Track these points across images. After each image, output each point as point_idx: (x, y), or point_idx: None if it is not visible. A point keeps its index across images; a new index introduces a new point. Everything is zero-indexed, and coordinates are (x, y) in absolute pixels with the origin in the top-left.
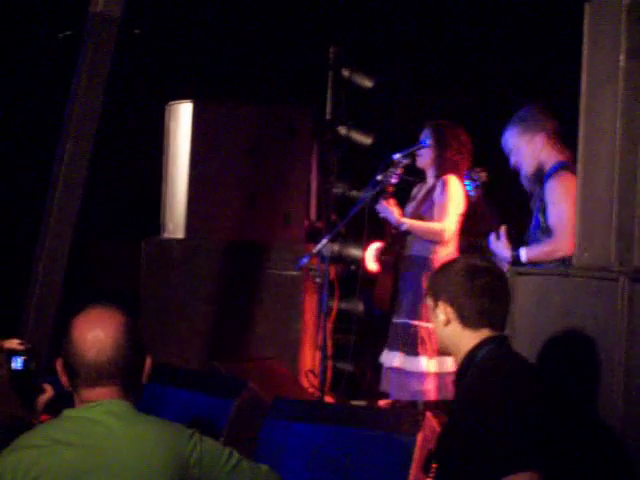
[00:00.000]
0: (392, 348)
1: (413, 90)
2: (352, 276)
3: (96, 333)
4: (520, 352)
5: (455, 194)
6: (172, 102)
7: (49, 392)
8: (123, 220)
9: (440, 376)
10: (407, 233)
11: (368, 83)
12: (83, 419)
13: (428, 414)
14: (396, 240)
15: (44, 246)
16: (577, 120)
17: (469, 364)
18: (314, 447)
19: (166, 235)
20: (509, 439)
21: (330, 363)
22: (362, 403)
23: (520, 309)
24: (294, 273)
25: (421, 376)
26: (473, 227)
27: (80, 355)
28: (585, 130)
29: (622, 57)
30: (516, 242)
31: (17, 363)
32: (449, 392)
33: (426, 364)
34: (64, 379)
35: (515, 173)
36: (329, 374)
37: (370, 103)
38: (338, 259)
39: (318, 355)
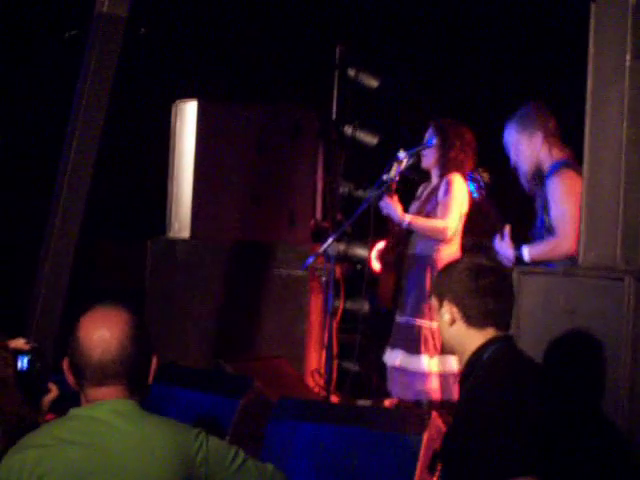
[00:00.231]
0: (394, 347)
1: (419, 90)
2: (358, 275)
3: (102, 333)
4: (525, 351)
5: (458, 193)
6: (178, 101)
7: (54, 391)
8: (129, 220)
9: (443, 376)
10: (410, 231)
11: (374, 83)
12: (89, 418)
13: (434, 414)
14: (399, 238)
15: (50, 245)
16: (583, 119)
17: (474, 364)
18: (320, 447)
19: (172, 235)
20: (510, 443)
21: (336, 363)
22: (368, 403)
23: (525, 309)
24: (300, 273)
25: (423, 375)
26: (477, 226)
27: (86, 354)
28: (591, 129)
29: (628, 57)
30: (520, 241)
31: (23, 363)
32: (453, 392)
33: (427, 363)
34: (70, 378)
35: (516, 172)
36: (335, 374)
37: (376, 103)
38: (344, 259)
39: (324, 355)
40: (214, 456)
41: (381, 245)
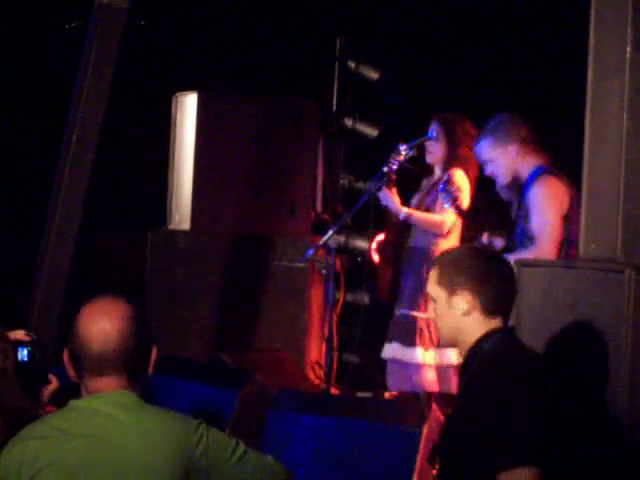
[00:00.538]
0: (391, 339)
1: (419, 82)
2: (358, 268)
3: (102, 324)
4: (526, 343)
5: (460, 187)
6: (178, 93)
7: (54, 383)
8: (129, 211)
9: (441, 368)
10: (409, 223)
11: (374, 75)
12: (89, 410)
13: (434, 405)
14: (398, 231)
15: (50, 237)
16: (583, 111)
17: (475, 355)
18: (319, 439)
19: (172, 226)
20: (509, 433)
21: (336, 355)
22: (367, 395)
23: (525, 301)
24: (300, 265)
25: (417, 367)
26: (473, 222)
27: (86, 346)
28: (591, 122)
29: (629, 49)
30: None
31: (23, 354)
32: (451, 384)
33: (422, 355)
34: (70, 370)
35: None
36: (335, 366)
37: (376, 95)
38: (344, 251)
39: (324, 347)
40: (214, 447)
41: (380, 237)
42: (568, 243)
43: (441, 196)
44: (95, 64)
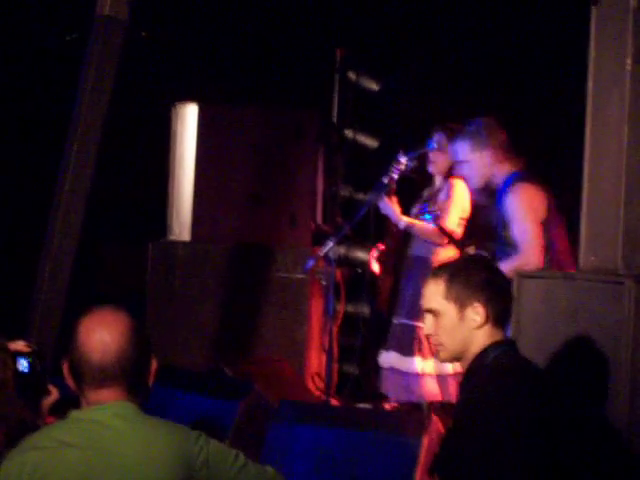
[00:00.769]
0: (389, 349)
1: (419, 93)
2: (358, 279)
3: (101, 335)
4: (526, 356)
5: (460, 198)
6: (178, 104)
7: (54, 394)
8: (129, 222)
9: (440, 378)
10: (409, 233)
11: (374, 86)
12: (89, 421)
13: (434, 416)
14: (398, 240)
15: (51, 248)
16: (584, 123)
17: (478, 367)
18: (320, 450)
19: (172, 237)
20: (510, 446)
21: (336, 366)
22: (367, 406)
23: (526, 312)
24: (300, 276)
25: (417, 377)
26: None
27: (85, 357)
28: (591, 133)
29: (629, 60)
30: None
31: (23, 365)
32: (451, 394)
33: (421, 365)
34: (70, 381)
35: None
36: (335, 377)
37: (376, 106)
38: (344, 262)
39: (324, 358)
40: (214, 459)
41: (380, 247)
42: (551, 248)
43: (424, 217)
44: (95, 75)
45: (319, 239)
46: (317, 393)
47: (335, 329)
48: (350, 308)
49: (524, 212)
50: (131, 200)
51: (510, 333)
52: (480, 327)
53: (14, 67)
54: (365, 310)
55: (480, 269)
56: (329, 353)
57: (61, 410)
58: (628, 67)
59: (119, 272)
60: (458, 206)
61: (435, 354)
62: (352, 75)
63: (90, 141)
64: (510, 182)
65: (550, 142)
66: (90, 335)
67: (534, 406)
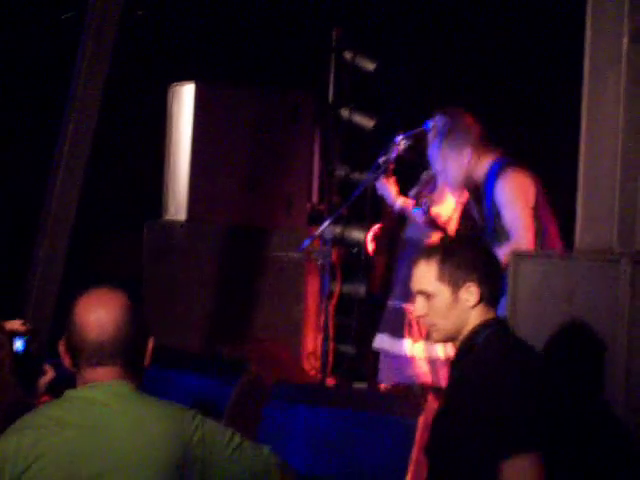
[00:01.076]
0: (382, 330)
1: (416, 72)
2: (354, 259)
3: (98, 313)
4: (522, 336)
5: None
6: (175, 84)
7: (50, 374)
8: (125, 202)
9: (431, 361)
10: (403, 214)
11: (371, 66)
12: (85, 400)
13: (430, 397)
14: (393, 221)
15: (46, 228)
16: (579, 102)
17: (470, 345)
18: (315, 429)
19: (168, 217)
20: (509, 421)
21: (332, 346)
22: (363, 386)
23: (521, 292)
24: (296, 256)
25: (407, 359)
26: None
27: (82, 335)
28: (588, 113)
29: (625, 40)
30: None
31: (18, 345)
32: (441, 377)
33: (410, 347)
34: (67, 360)
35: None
36: (331, 357)
37: (373, 86)
38: (340, 242)
39: (320, 338)
40: (210, 438)
41: (376, 227)
42: (542, 232)
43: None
44: (92, 54)
45: (315, 219)
46: (313, 373)
47: (331, 309)
48: (346, 288)
49: (514, 198)
50: (127, 180)
51: (506, 313)
52: (473, 307)
53: (9, 47)
54: (361, 290)
55: (472, 249)
56: (325, 333)
57: (57, 390)
58: (624, 47)
59: (116, 251)
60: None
61: (428, 335)
62: (348, 55)
63: (86, 121)
64: (496, 170)
65: (547, 123)
66: (87, 314)
67: (524, 385)
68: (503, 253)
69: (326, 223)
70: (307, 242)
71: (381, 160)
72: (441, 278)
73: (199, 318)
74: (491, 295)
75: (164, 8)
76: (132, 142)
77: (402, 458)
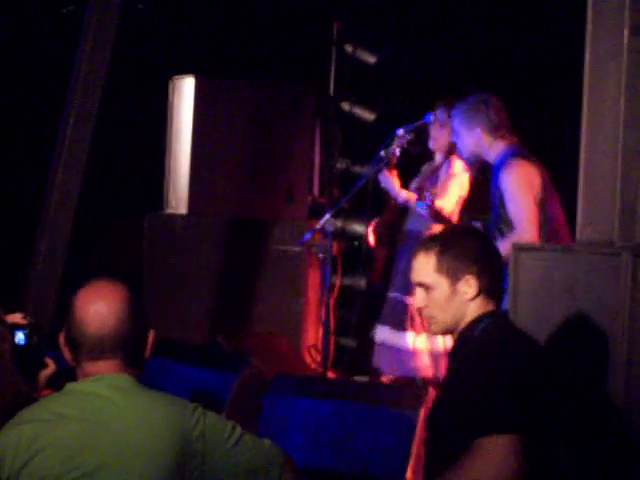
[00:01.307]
0: (383, 322)
1: (417, 65)
2: (355, 252)
3: (98, 306)
4: (521, 328)
5: (459, 175)
6: (175, 77)
7: (51, 367)
8: (126, 196)
9: (432, 354)
10: (406, 207)
11: (371, 59)
12: (86, 393)
13: (431, 389)
14: (395, 214)
15: (47, 221)
16: (581, 94)
17: (467, 337)
18: (316, 423)
19: (169, 210)
20: (494, 402)
21: (333, 339)
22: (364, 379)
23: (523, 285)
24: (297, 249)
25: (409, 352)
26: (472, 206)
27: (82, 328)
28: (588, 106)
29: (626, 32)
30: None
31: (20, 337)
32: (442, 371)
33: (413, 340)
34: (67, 353)
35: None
36: (332, 350)
37: (373, 79)
38: (341, 235)
39: (321, 331)
40: (211, 431)
41: (377, 219)
42: (549, 222)
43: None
44: (92, 48)
45: (316, 212)
46: (314, 366)
47: (332, 302)
48: (347, 281)
49: (519, 189)
50: (128, 173)
51: (507, 306)
52: (472, 299)
53: (10, 40)
54: (362, 283)
55: (471, 240)
56: (326, 326)
57: (58, 383)
58: (625, 40)
59: (116, 244)
60: (457, 183)
61: (427, 328)
62: (349, 48)
63: (87, 113)
64: (504, 159)
65: (548, 116)
66: (87, 307)
67: (520, 376)
68: (505, 245)
69: (327, 216)
70: (308, 235)
71: (382, 153)
72: (439, 270)
73: (200, 310)
74: (491, 287)
75: (165, 1)
76: (132, 135)
77: (403, 451)
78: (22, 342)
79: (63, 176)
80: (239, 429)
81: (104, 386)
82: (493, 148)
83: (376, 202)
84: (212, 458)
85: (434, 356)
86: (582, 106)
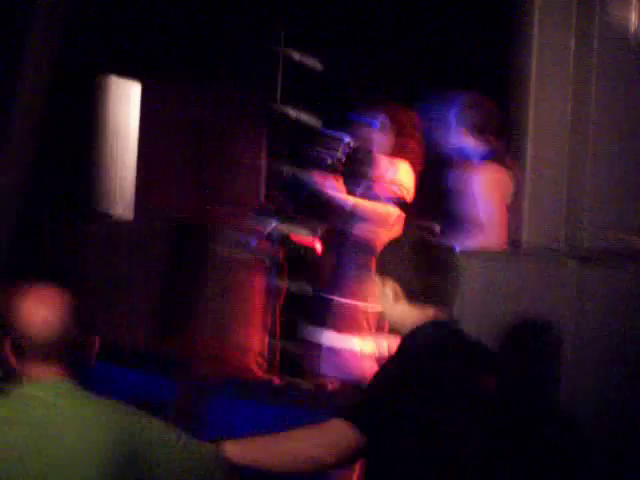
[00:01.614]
0: (327, 326)
1: (362, 71)
2: (300, 257)
3: (42, 312)
4: (468, 334)
5: (405, 179)
6: (120, 79)
7: None
8: (70, 198)
9: (379, 358)
10: (352, 213)
11: (317, 64)
12: (28, 397)
13: None
14: (340, 220)
15: None
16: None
17: (406, 345)
18: (260, 427)
19: (114, 215)
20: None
21: (278, 344)
22: (309, 384)
23: (468, 291)
24: (242, 254)
25: (354, 356)
26: (417, 213)
27: (26, 334)
28: (535, 110)
29: (573, 40)
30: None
31: None
32: None
33: (358, 343)
34: (10, 358)
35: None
36: (277, 355)
37: (319, 84)
38: (286, 240)
39: (266, 336)
40: (156, 437)
41: (323, 226)
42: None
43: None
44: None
45: (261, 217)
46: (259, 371)
47: (277, 307)
48: (292, 286)
49: (489, 192)
50: (71, 176)
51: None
52: (395, 303)
53: None
54: (307, 288)
55: (403, 245)
56: (271, 331)
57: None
58: (572, 47)
59: (60, 250)
60: (403, 188)
61: (377, 331)
62: (294, 53)
63: (29, 117)
64: (479, 161)
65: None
66: (31, 312)
67: (415, 375)
68: (472, 244)
69: (273, 222)
70: (254, 241)
71: (328, 159)
72: (377, 270)
73: (144, 315)
74: (418, 295)
75: (111, 3)
76: (75, 137)
77: None
78: None
79: (6, 177)
80: (184, 435)
81: (47, 391)
82: (473, 149)
83: (321, 208)
84: (158, 464)
85: (380, 360)
86: (528, 112)
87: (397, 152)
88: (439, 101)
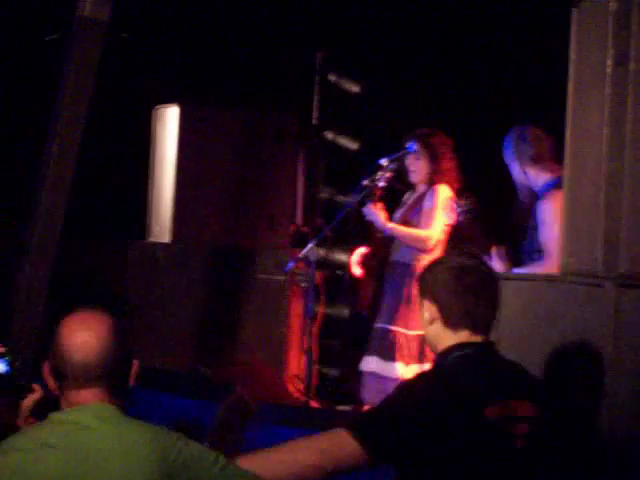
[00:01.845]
0: (370, 353)
1: (399, 95)
2: (338, 281)
3: (83, 335)
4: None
5: (444, 203)
6: (159, 106)
7: (38, 392)
8: (110, 224)
9: None
10: (392, 238)
11: (355, 88)
12: (69, 422)
13: None
14: (381, 245)
15: (30, 249)
16: (564, 125)
17: (438, 362)
18: None
19: (152, 239)
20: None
21: (316, 368)
22: (347, 408)
23: (506, 315)
24: (280, 277)
25: (396, 382)
26: (461, 235)
27: (67, 357)
28: (571, 135)
29: (609, 63)
30: (513, 261)
31: (1, 366)
32: None
33: (402, 370)
34: (51, 382)
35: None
36: (315, 379)
37: (357, 108)
38: (324, 264)
39: (304, 360)
40: (194, 460)
41: (363, 250)
42: None
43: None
44: (75, 76)
45: (299, 241)
46: (297, 395)
47: (315, 331)
48: (330, 310)
49: (555, 218)
50: (112, 202)
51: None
52: (430, 324)
53: None
54: (345, 312)
55: (444, 268)
56: (309, 355)
57: (42, 412)
58: (608, 69)
59: (100, 272)
60: (442, 212)
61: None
62: (332, 77)
63: (71, 141)
64: (546, 189)
65: None
66: (72, 336)
67: (415, 392)
68: (534, 271)
69: (310, 245)
70: (291, 264)
71: (366, 184)
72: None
73: (183, 339)
74: (454, 318)
75: (149, 30)
76: (117, 164)
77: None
78: (5, 370)
79: (47, 203)
80: (222, 458)
81: (88, 415)
82: (538, 179)
83: (361, 232)
84: None
85: None
86: (565, 135)
87: (434, 176)
88: (503, 139)
